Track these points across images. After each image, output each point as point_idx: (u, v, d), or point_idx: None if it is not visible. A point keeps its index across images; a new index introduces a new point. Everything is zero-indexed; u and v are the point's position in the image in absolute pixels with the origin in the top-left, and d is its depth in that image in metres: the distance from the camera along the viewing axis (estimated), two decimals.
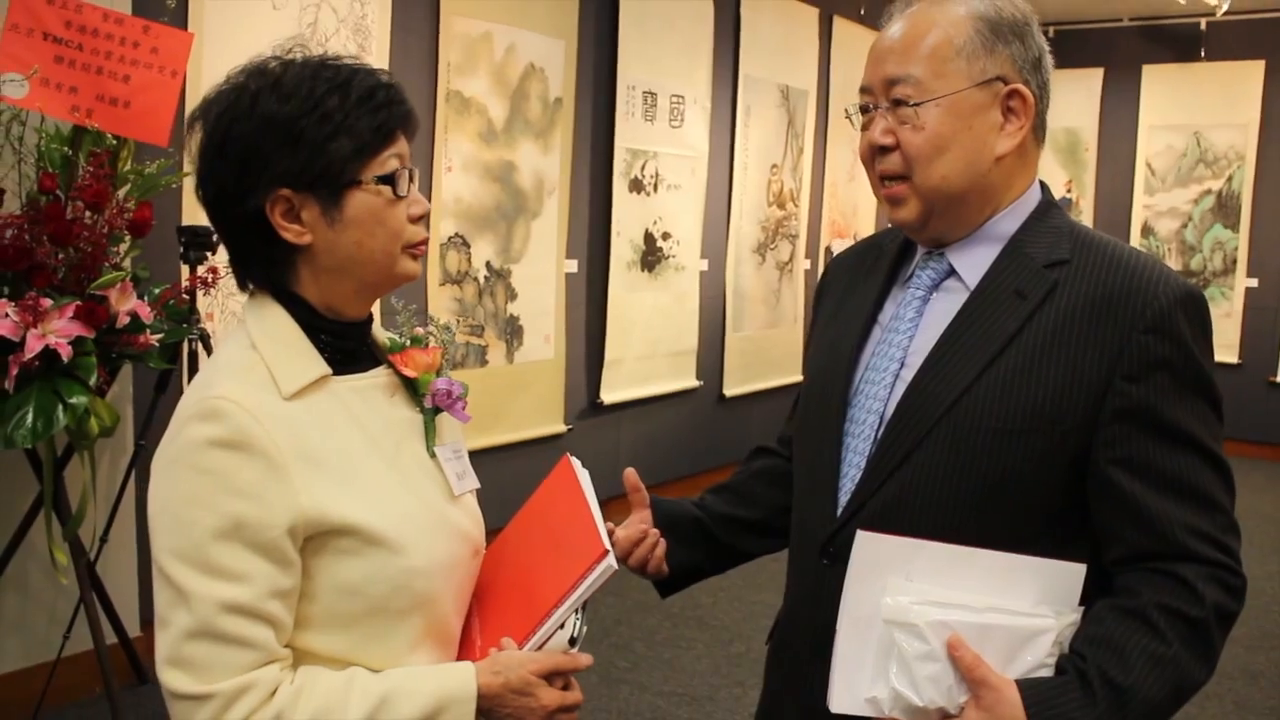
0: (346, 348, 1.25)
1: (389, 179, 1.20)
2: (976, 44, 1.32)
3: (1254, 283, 7.68)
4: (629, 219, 5.32)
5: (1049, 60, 1.38)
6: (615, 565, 1.21)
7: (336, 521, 1.15)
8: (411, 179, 1.23)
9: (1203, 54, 7.64)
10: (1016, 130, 1.34)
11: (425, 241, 1.26)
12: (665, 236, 5.58)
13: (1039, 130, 1.37)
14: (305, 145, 1.16)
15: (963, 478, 1.28)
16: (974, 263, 1.36)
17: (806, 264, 6.84)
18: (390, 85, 1.22)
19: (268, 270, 1.23)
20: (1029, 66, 1.35)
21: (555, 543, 1.27)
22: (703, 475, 6.06)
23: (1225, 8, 6.69)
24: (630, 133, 5.25)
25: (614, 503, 1.53)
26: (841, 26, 6.84)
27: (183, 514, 1.11)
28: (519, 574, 1.29)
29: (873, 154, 1.36)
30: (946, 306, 1.36)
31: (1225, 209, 7.81)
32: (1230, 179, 7.77)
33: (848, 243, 7.22)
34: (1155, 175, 7.97)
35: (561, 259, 4.97)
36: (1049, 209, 1.39)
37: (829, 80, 6.76)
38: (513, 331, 4.75)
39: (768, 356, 6.55)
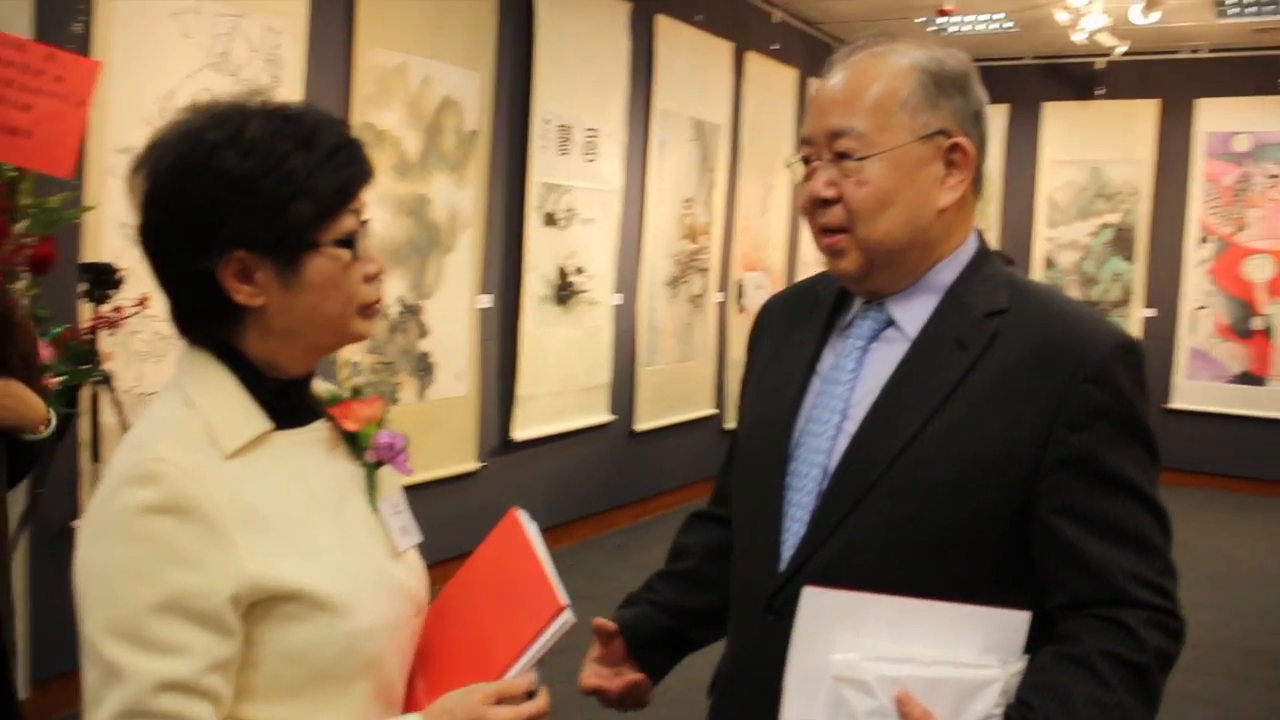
0: (287, 404, 1.19)
1: (348, 241, 1.15)
2: (920, 97, 1.32)
3: (1152, 313, 7.93)
4: (542, 253, 5.28)
5: (987, 111, 1.39)
6: (573, 619, 1.16)
7: (283, 586, 1.08)
8: (365, 235, 1.18)
9: (1101, 92, 7.93)
10: (958, 183, 1.34)
11: (379, 301, 1.21)
12: (579, 271, 5.55)
13: (977, 182, 1.38)
14: (265, 206, 1.10)
15: (908, 530, 1.28)
16: (913, 313, 1.36)
17: (719, 297, 6.86)
18: (353, 142, 1.17)
19: (212, 329, 1.16)
20: (970, 119, 1.35)
21: (506, 599, 1.22)
22: (615, 510, 6.02)
23: (1122, 49, 6.91)
24: (545, 166, 5.21)
25: None
26: (754, 61, 6.91)
27: (117, 585, 1.04)
28: (467, 632, 1.23)
29: (814, 205, 1.35)
30: (887, 357, 1.35)
31: (1123, 241, 8.06)
32: (1127, 212, 8.03)
33: (758, 276, 7.27)
34: (1057, 208, 8.19)
35: (475, 294, 4.90)
36: (985, 258, 1.39)
37: (740, 114, 6.81)
38: (424, 368, 4.66)
39: (679, 390, 6.54)
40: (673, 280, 6.37)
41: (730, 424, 7.07)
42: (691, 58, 6.27)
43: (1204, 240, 7.85)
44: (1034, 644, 1.22)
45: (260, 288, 1.12)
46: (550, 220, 5.31)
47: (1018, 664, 1.21)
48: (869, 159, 1.30)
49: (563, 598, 1.16)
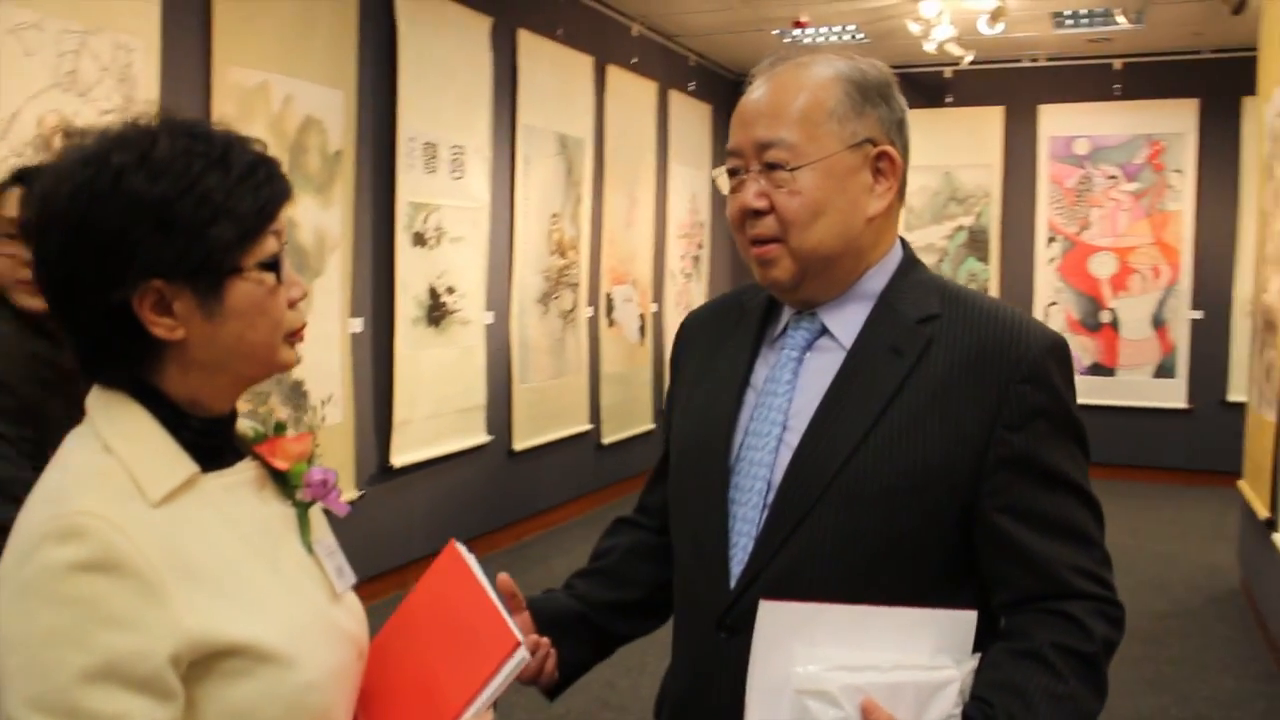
0: (212, 444, 1.10)
1: (272, 264, 1.07)
2: (846, 107, 1.32)
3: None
4: (413, 274, 5.16)
5: (908, 119, 1.39)
6: (528, 656, 1.11)
7: (224, 641, 1.00)
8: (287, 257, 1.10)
9: (950, 100, 8.20)
10: (886, 191, 1.35)
11: (305, 327, 1.13)
12: (450, 290, 5.44)
13: (902, 189, 1.38)
14: (182, 231, 1.01)
15: (858, 538, 1.28)
16: (846, 321, 1.36)
17: (589, 311, 6.83)
18: (269, 159, 1.09)
19: (126, 367, 1.06)
20: (894, 127, 1.37)
21: (456, 637, 1.16)
22: (496, 532, 5.92)
23: (970, 58, 7.15)
24: (412, 185, 5.10)
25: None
26: (615, 75, 6.92)
27: (42, 655, 0.94)
28: (414, 674, 1.16)
29: (743, 217, 1.34)
30: (822, 366, 1.35)
31: (976, 243, 8.36)
32: (980, 215, 8.33)
33: (627, 289, 7.27)
34: (913, 213, 8.43)
35: (346, 318, 4.75)
36: (913, 265, 1.41)
37: (603, 128, 6.80)
38: (298, 397, 4.49)
39: (555, 407, 6.49)
40: (543, 296, 6.32)
41: (608, 438, 7.04)
42: (553, 72, 6.24)
43: (1051, 240, 8.20)
44: (978, 641, 1.23)
45: (180, 319, 1.04)
46: (419, 240, 5.20)
47: (971, 662, 1.22)
48: (801, 169, 1.30)
49: (517, 633, 1.11)
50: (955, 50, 6.81)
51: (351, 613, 1.19)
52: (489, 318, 5.80)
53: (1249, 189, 7.46)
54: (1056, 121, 8.14)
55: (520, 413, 6.11)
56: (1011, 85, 8.17)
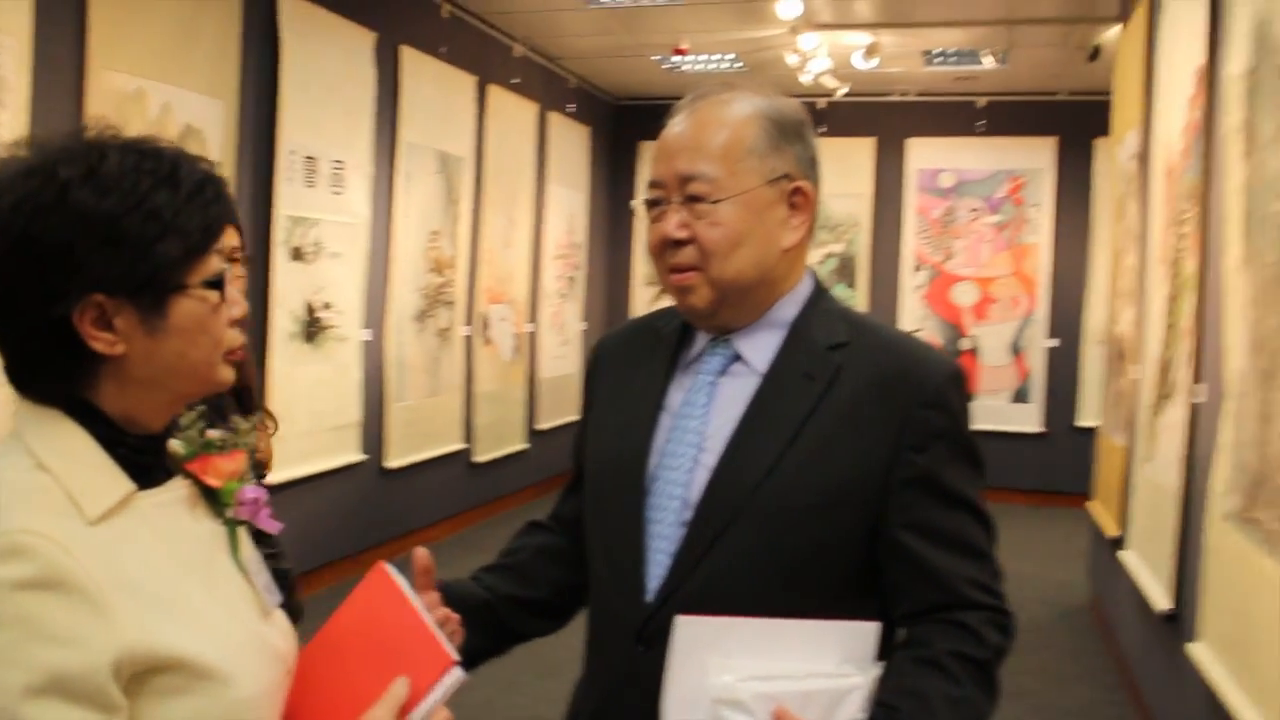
0: (144, 461, 1.09)
1: (216, 283, 1.07)
2: (765, 143, 1.38)
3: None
4: (290, 289, 5.07)
5: (819, 156, 1.46)
6: (464, 676, 1.12)
7: (164, 654, 0.99)
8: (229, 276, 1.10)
9: (823, 130, 8.42)
10: (800, 224, 1.42)
11: (244, 346, 1.13)
12: (327, 306, 5.36)
13: (813, 222, 1.44)
14: (130, 247, 1.01)
15: (772, 555, 1.33)
16: (760, 348, 1.42)
17: (465, 330, 6.80)
18: (217, 179, 1.09)
19: (61, 382, 1.05)
20: (808, 164, 1.43)
21: (385, 658, 1.15)
22: (368, 551, 5.83)
23: (844, 91, 7.38)
24: (291, 199, 5.02)
25: None
26: (496, 94, 6.93)
27: None
28: (344, 695, 1.16)
29: (664, 246, 1.39)
30: (736, 391, 1.41)
31: (846, 270, 8.62)
32: (850, 242, 8.59)
33: (503, 309, 7.26)
34: None
35: None
36: (822, 295, 1.48)
37: (484, 147, 6.80)
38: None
39: (429, 426, 6.44)
40: (420, 314, 6.27)
41: (481, 457, 7.01)
42: (436, 89, 6.22)
43: (918, 268, 8.49)
44: (881, 650, 1.30)
45: (121, 334, 1.03)
46: (297, 254, 5.11)
47: (875, 670, 1.29)
48: (722, 202, 1.35)
49: (452, 652, 1.12)
50: (830, 83, 7.02)
51: (281, 630, 1.19)
52: (366, 335, 5.73)
53: (1100, 224, 7.88)
54: (924, 155, 8.46)
55: (394, 431, 6.05)
56: (882, 118, 8.47)
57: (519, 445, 7.59)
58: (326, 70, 5.20)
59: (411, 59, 5.94)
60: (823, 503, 1.33)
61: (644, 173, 9.01)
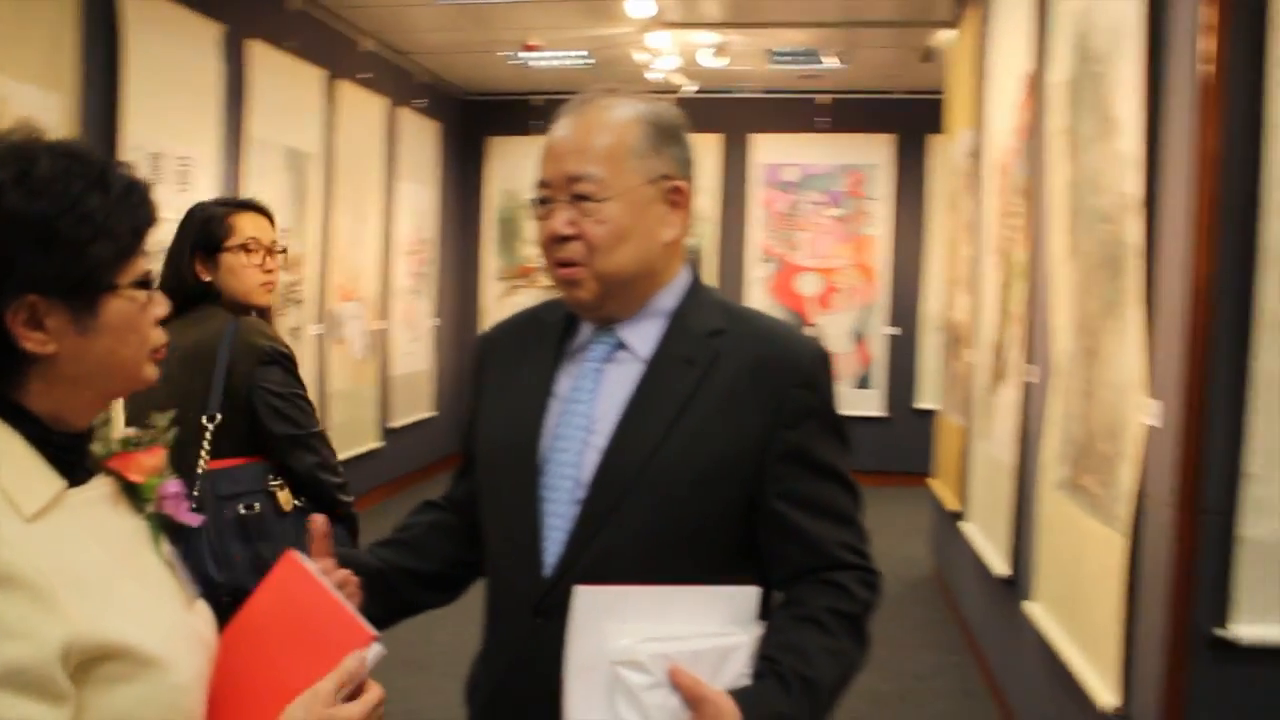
0: (70, 459, 1.12)
1: (145, 283, 1.12)
2: (646, 145, 1.49)
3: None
4: None
5: (694, 157, 1.58)
6: (383, 651, 1.18)
7: (110, 644, 1.03)
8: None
9: None
10: (679, 220, 1.53)
11: (166, 345, 1.17)
12: None
13: (690, 218, 1.56)
14: (62, 248, 1.04)
15: (661, 528, 1.44)
16: (643, 336, 1.52)
17: (317, 329, 6.71)
18: (143, 182, 1.14)
19: None
20: (685, 164, 1.54)
21: (303, 640, 1.20)
22: None
23: (692, 88, 7.55)
24: None
25: None
26: (345, 89, 6.85)
27: None
28: (265, 679, 1.20)
29: (553, 242, 1.48)
30: (621, 376, 1.51)
31: (693, 262, 8.77)
32: (700, 236, 8.78)
33: (354, 307, 7.20)
34: None
35: None
36: (699, 286, 1.59)
37: (333, 143, 6.73)
38: None
39: None
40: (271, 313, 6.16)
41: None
42: (284, 84, 6.12)
43: (765, 260, 8.74)
44: (763, 613, 1.43)
45: (52, 334, 1.06)
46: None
47: (757, 629, 1.41)
48: (607, 201, 1.45)
49: (371, 629, 1.18)
50: (678, 79, 7.18)
51: (204, 619, 1.23)
52: None
53: (935, 217, 8.26)
54: (769, 150, 8.71)
55: None
56: (729, 115, 8.69)
57: (373, 444, 7.53)
58: (171, 64, 5.07)
59: (259, 53, 5.83)
60: (705, 478, 1.44)
61: (494, 168, 9.05)
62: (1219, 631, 2.43)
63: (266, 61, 5.90)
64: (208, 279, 2.70)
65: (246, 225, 2.73)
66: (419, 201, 8.29)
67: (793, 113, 8.63)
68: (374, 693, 1.15)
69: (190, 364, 2.57)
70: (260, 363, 2.63)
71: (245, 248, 2.71)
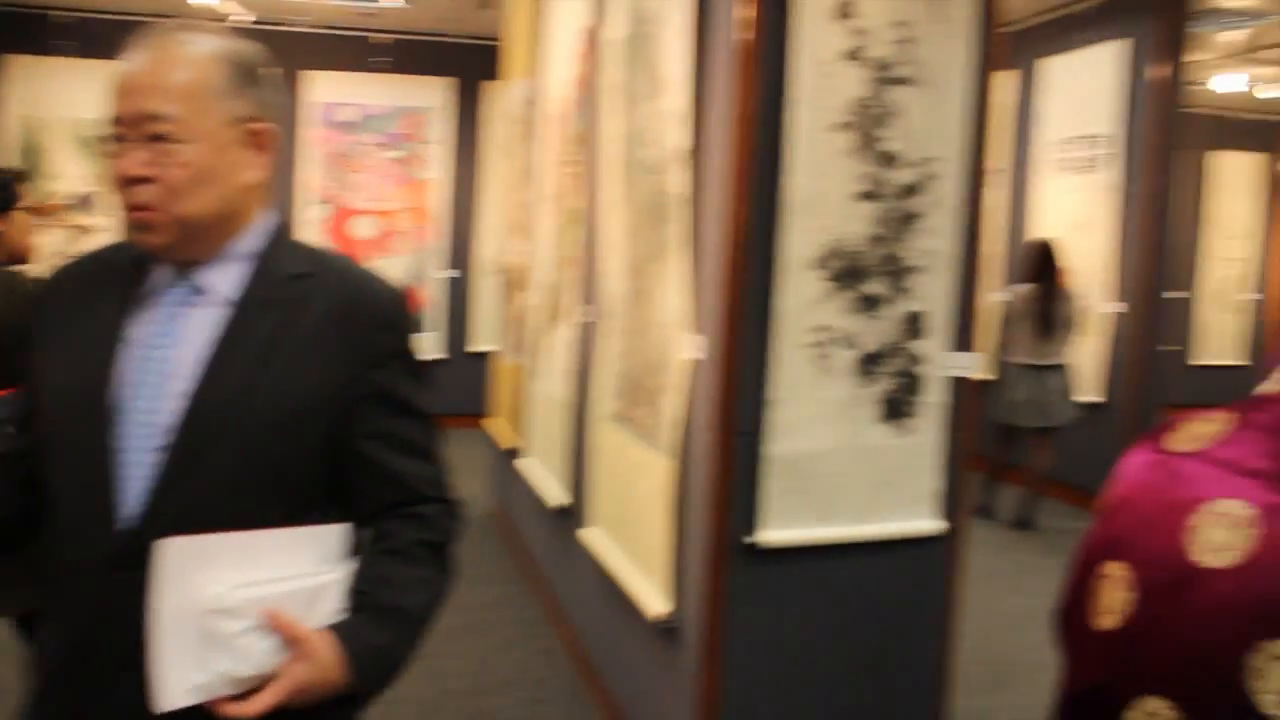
0: None
1: None
2: (228, 85, 1.44)
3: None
4: None
5: (277, 98, 1.54)
6: None
7: None
8: None
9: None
10: (262, 163, 1.49)
11: None
12: None
13: (272, 160, 1.54)
14: None
15: (251, 472, 1.42)
16: (225, 279, 1.48)
17: None
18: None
19: None
20: (267, 106, 1.50)
21: None
22: None
23: (250, 19, 7.16)
24: None
25: None
26: None
27: None
28: None
29: (126, 184, 1.41)
30: (202, 321, 1.45)
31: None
32: None
33: None
34: None
35: None
36: (285, 230, 1.56)
37: None
38: None
39: None
40: None
41: None
42: None
43: (320, 203, 8.52)
44: (355, 549, 1.47)
45: None
46: None
47: (348, 565, 1.44)
48: (186, 143, 1.39)
49: None
50: (229, 8, 6.79)
51: None
52: None
53: (491, 163, 8.45)
54: (325, 89, 8.46)
55: None
56: (283, 49, 8.31)
57: None
58: None
59: None
60: (293, 421, 1.43)
61: (12, 90, 8.10)
62: (748, 539, 2.77)
63: None
64: None
65: None
66: None
67: (351, 51, 8.44)
68: None
69: None
70: None
71: None
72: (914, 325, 2.84)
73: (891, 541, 2.92)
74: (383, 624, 1.42)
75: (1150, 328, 6.63)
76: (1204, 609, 1.09)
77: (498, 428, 6.07)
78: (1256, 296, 10.11)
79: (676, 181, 3.00)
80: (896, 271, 2.81)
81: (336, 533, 1.43)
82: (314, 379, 1.45)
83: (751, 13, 2.63)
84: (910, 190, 2.78)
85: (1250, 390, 1.26)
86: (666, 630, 3.05)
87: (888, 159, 2.75)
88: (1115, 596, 1.20)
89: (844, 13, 2.68)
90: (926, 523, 2.95)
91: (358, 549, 1.49)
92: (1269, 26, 7.29)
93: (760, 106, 2.67)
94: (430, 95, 8.61)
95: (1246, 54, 7.99)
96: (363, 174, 8.57)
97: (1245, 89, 8.90)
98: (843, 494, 2.84)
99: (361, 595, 1.42)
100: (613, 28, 3.69)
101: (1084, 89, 7.03)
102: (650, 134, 3.25)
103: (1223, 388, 8.25)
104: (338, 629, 1.37)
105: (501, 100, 6.50)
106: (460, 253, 8.79)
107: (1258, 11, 6.85)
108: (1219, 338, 9.97)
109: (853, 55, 2.70)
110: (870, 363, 2.81)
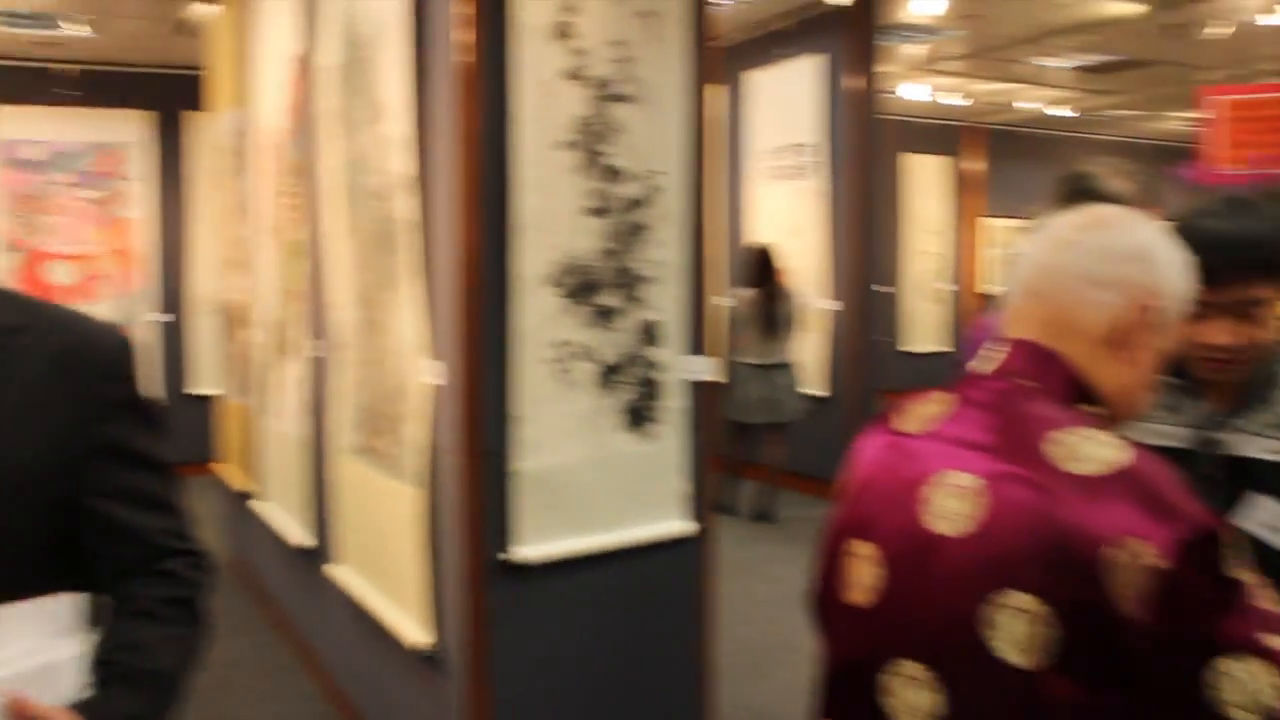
0: None
1: None
2: None
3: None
4: None
5: None
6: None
7: None
8: None
9: None
10: None
11: None
12: None
13: None
14: None
15: None
16: None
17: None
18: None
19: None
20: None
21: None
22: None
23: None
24: None
25: None
26: None
27: None
28: None
29: None
30: None
31: None
32: None
33: None
34: None
35: None
36: None
37: None
38: None
39: None
40: None
41: None
42: None
43: (8, 249, 7.87)
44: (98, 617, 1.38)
45: None
46: None
47: (92, 636, 1.35)
48: None
49: None
50: None
51: None
52: None
53: (200, 197, 8.07)
54: (6, 125, 7.84)
55: None
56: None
57: None
58: None
59: None
60: (15, 486, 1.34)
61: None
62: (502, 555, 2.77)
63: None
64: None
65: None
66: None
67: (32, 83, 7.84)
68: None
69: None
70: None
71: None
72: (649, 334, 2.93)
73: (645, 546, 2.99)
74: (136, 692, 1.34)
75: (864, 321, 7.07)
76: (944, 574, 1.19)
77: (228, 472, 5.80)
78: (953, 287, 10.97)
79: (403, 207, 2.97)
80: (629, 283, 2.88)
81: (68, 603, 1.34)
82: (36, 442, 1.35)
83: (470, 36, 2.64)
84: (637, 204, 2.87)
85: (956, 371, 1.37)
86: (428, 659, 3.00)
87: (613, 174, 2.83)
88: (865, 573, 1.28)
89: (562, 33, 2.73)
90: (677, 524, 3.04)
91: (98, 617, 1.39)
92: (946, 41, 7.96)
93: (484, 128, 2.68)
94: (127, 129, 8.12)
95: (928, 66, 8.69)
96: (57, 216, 7.99)
97: (929, 98, 9.68)
98: (594, 504, 2.89)
99: (108, 665, 1.33)
100: (326, 54, 3.61)
101: (788, 101, 7.43)
102: (373, 160, 3.20)
103: (930, 371, 8.93)
104: (86, 705, 1.28)
105: (208, 132, 6.24)
106: (172, 294, 8.32)
107: (934, 27, 7.46)
108: (923, 327, 10.75)
109: (573, 74, 2.75)
110: (611, 373, 2.88)
